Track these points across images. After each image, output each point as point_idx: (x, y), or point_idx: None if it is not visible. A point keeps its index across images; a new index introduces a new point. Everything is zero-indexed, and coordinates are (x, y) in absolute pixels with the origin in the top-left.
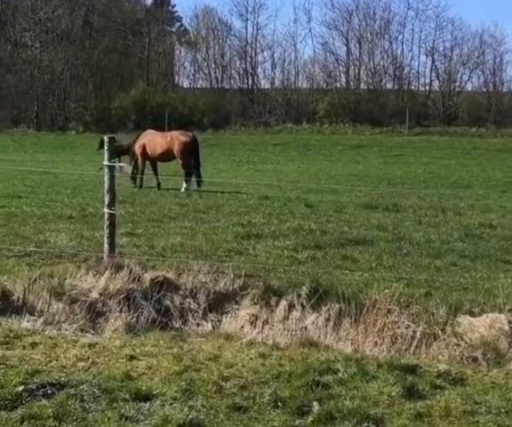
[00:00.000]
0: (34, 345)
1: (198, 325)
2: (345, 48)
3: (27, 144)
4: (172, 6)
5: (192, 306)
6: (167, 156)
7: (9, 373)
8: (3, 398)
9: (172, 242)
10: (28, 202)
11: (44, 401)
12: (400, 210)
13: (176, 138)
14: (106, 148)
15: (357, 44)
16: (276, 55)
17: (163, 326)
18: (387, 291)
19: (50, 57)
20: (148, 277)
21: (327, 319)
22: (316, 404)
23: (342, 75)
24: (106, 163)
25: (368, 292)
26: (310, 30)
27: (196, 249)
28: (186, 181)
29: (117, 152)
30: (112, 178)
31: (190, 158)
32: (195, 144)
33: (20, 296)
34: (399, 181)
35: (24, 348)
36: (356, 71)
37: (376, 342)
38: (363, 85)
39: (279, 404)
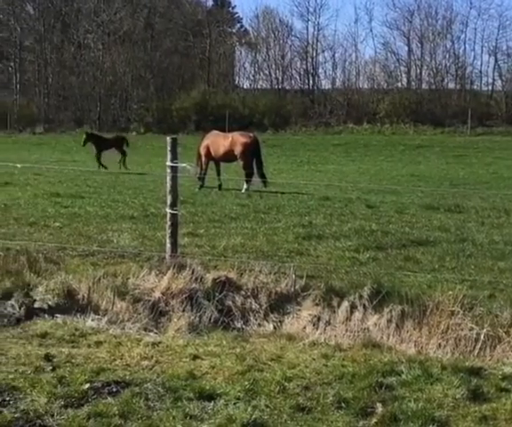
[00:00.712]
0: (98, 344)
1: (260, 325)
2: (406, 48)
3: (89, 145)
4: (233, 7)
5: (253, 306)
6: (229, 156)
7: (75, 371)
8: (69, 395)
9: (233, 242)
10: (90, 202)
11: (109, 399)
12: (462, 211)
13: (237, 139)
14: (169, 148)
15: (419, 44)
16: (336, 55)
17: (225, 326)
18: (450, 293)
19: (112, 59)
20: (209, 277)
21: (389, 321)
22: (379, 405)
23: (403, 75)
24: (168, 163)
25: (431, 293)
26: (371, 30)
27: (257, 249)
28: (246, 182)
29: (102, 146)
30: (174, 178)
31: (251, 159)
32: (256, 145)
33: (85, 295)
34: (461, 182)
35: (89, 346)
36: (418, 71)
37: (439, 345)
38: (424, 85)
39: (342, 405)
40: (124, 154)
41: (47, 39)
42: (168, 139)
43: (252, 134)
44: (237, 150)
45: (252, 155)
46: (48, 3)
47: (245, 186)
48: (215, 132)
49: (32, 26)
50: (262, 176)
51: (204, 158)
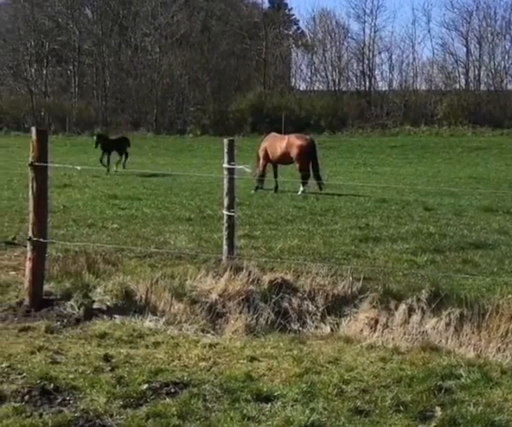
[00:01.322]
0: (156, 345)
1: (317, 327)
2: (464, 49)
3: (146, 147)
4: (289, 9)
5: (310, 308)
6: (285, 158)
7: (133, 371)
8: (128, 395)
9: (289, 244)
10: (147, 204)
11: (167, 400)
12: None
13: (293, 141)
14: (226, 150)
15: (477, 45)
16: (393, 57)
17: (281, 328)
18: (510, 296)
19: (169, 61)
20: (266, 278)
21: (448, 324)
22: (438, 409)
23: (462, 76)
24: (225, 165)
25: (490, 297)
26: (429, 31)
27: (314, 252)
28: (302, 184)
29: (107, 147)
30: (231, 180)
31: (307, 161)
32: (312, 147)
33: (143, 296)
34: None
35: (147, 347)
36: (476, 72)
37: (499, 348)
38: (483, 87)
39: (401, 408)
40: (126, 155)
41: (105, 42)
42: (225, 141)
43: (308, 137)
44: (293, 153)
45: (307, 157)
46: (106, 6)
47: (301, 188)
48: (273, 134)
49: (90, 29)
50: (318, 178)
51: (262, 160)
